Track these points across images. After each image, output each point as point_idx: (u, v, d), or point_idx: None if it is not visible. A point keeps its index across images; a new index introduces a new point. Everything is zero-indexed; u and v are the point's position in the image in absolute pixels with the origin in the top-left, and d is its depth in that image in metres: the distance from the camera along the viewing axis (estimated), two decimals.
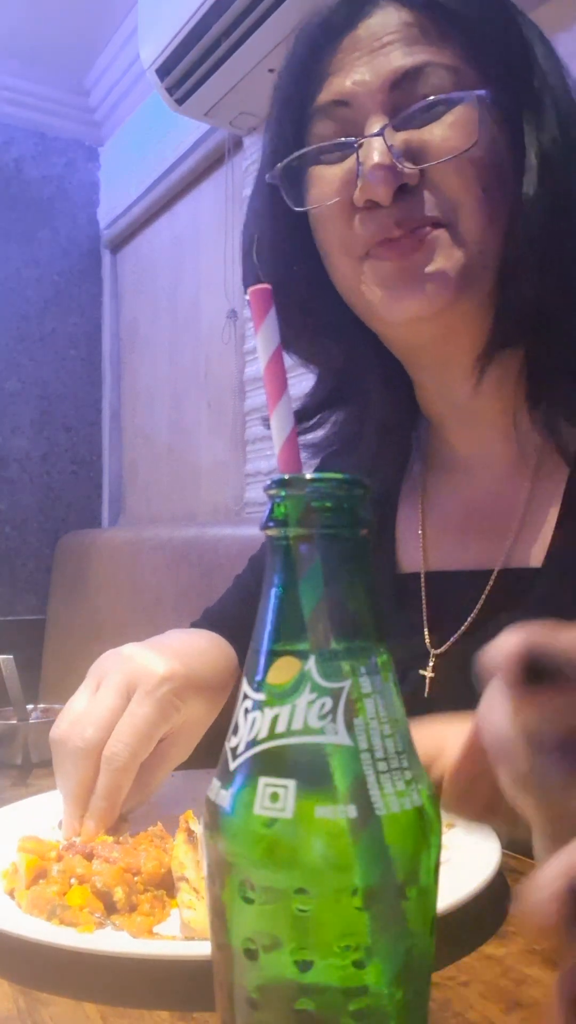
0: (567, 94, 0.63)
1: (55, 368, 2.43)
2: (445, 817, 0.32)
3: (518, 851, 0.55)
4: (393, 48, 0.62)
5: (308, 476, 0.29)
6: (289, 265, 0.71)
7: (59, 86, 2.40)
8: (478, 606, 0.68)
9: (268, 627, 0.29)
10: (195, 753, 0.72)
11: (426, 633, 0.71)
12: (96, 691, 0.63)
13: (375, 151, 0.60)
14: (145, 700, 0.61)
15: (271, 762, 0.27)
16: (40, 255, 2.41)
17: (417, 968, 0.28)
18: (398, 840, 0.27)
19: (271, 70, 1.49)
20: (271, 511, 0.29)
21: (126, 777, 0.59)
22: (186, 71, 1.62)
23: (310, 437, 0.78)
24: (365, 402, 0.75)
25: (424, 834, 0.27)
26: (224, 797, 0.28)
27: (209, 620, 0.86)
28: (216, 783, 0.29)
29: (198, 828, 0.54)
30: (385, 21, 0.63)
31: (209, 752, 0.74)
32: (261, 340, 0.32)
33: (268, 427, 0.31)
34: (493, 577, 0.67)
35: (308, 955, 0.26)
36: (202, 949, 0.43)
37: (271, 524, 0.29)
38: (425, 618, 0.72)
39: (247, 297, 0.33)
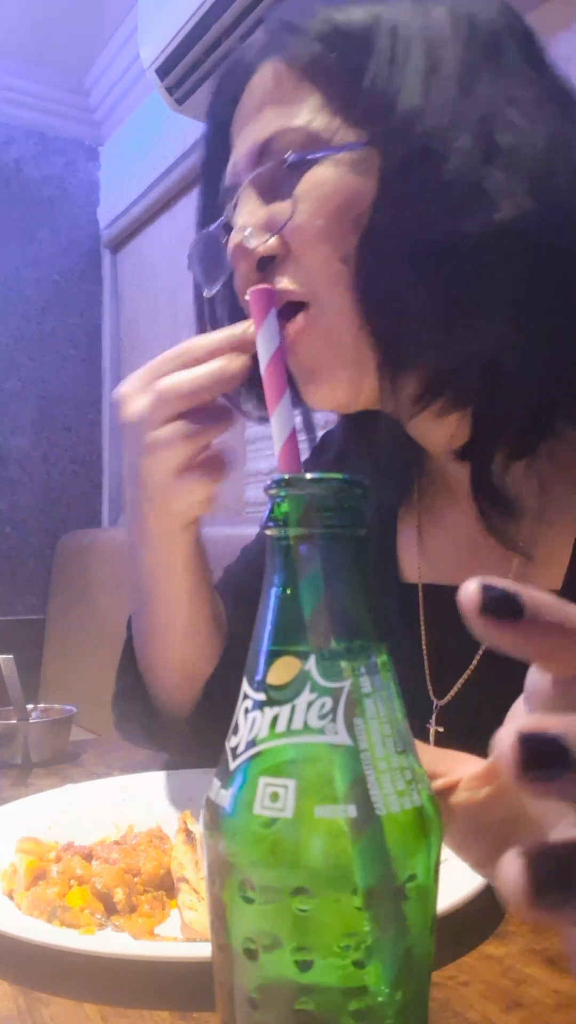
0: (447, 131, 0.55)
1: (55, 368, 2.43)
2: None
3: None
4: (264, 114, 0.60)
5: (308, 476, 0.29)
6: None
7: (59, 86, 2.40)
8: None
9: (268, 627, 0.29)
10: (195, 752, 0.72)
11: (426, 668, 0.69)
12: None
13: (234, 233, 0.60)
14: None
15: (271, 762, 0.27)
16: (40, 255, 2.41)
17: (417, 968, 0.28)
18: (398, 840, 0.27)
19: None
20: (271, 511, 0.29)
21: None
22: (186, 71, 1.62)
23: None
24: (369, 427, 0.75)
25: (424, 834, 0.27)
26: (224, 797, 0.28)
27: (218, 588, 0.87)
28: (216, 783, 0.29)
29: (196, 828, 0.54)
30: (263, 81, 0.61)
31: (209, 751, 0.74)
32: (261, 341, 0.32)
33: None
34: None
35: (308, 955, 0.26)
36: (203, 950, 0.43)
37: (271, 524, 0.29)
38: (424, 645, 0.69)
39: (247, 299, 0.33)
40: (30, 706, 0.96)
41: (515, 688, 0.28)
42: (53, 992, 0.41)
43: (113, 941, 0.46)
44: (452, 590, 0.72)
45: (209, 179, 0.68)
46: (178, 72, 1.63)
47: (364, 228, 0.55)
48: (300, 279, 0.58)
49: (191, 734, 0.72)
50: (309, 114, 0.58)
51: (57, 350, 2.43)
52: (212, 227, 0.65)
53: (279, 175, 0.58)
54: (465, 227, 0.53)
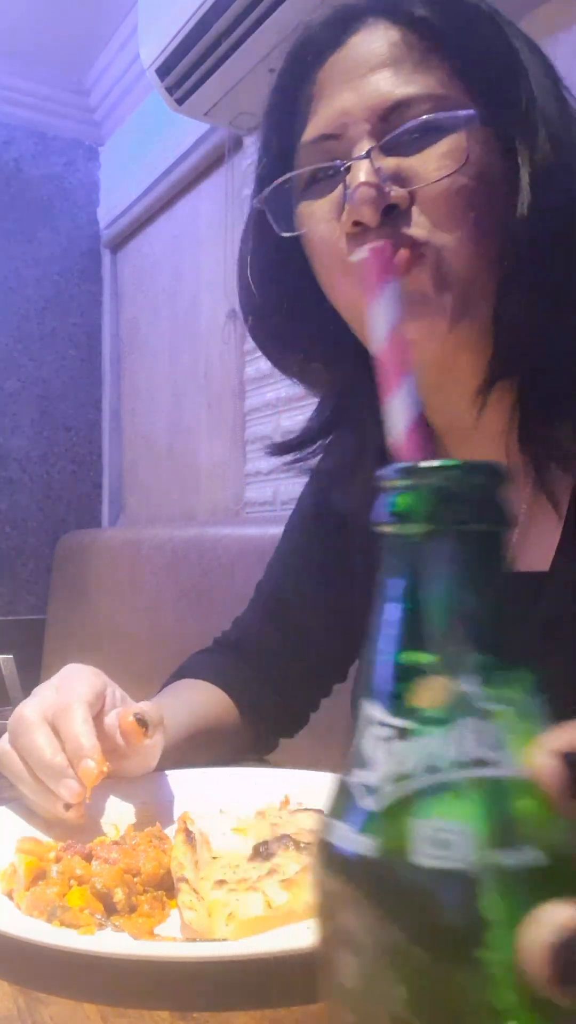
0: (561, 109, 0.62)
1: (55, 368, 2.43)
2: None
3: None
4: (381, 74, 0.61)
5: (438, 463, 0.24)
6: (282, 290, 0.71)
7: (59, 86, 2.40)
8: None
9: (402, 643, 0.25)
10: (193, 753, 0.72)
11: None
12: None
13: (361, 171, 0.60)
14: (71, 681, 0.65)
15: (433, 800, 0.23)
16: (40, 255, 2.41)
17: None
18: None
19: (271, 70, 1.48)
20: (393, 505, 0.24)
21: (84, 709, 0.60)
22: (186, 71, 1.62)
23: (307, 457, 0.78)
24: (364, 419, 0.74)
25: None
26: (365, 844, 0.23)
27: (235, 637, 0.88)
28: (343, 826, 0.24)
29: (195, 828, 0.54)
30: (372, 40, 0.62)
31: (206, 752, 0.74)
32: (380, 311, 0.31)
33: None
34: None
35: None
36: (202, 950, 0.43)
37: (396, 520, 0.24)
38: None
39: (353, 259, 0.31)
40: None
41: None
42: (53, 992, 0.41)
43: (113, 941, 0.46)
44: None
45: (276, 125, 0.68)
46: (178, 72, 1.63)
47: (517, 211, 0.60)
48: (428, 229, 0.60)
49: None
50: (443, 83, 0.61)
51: (57, 350, 2.43)
52: (340, 164, 0.63)
53: (408, 136, 0.61)
54: None
